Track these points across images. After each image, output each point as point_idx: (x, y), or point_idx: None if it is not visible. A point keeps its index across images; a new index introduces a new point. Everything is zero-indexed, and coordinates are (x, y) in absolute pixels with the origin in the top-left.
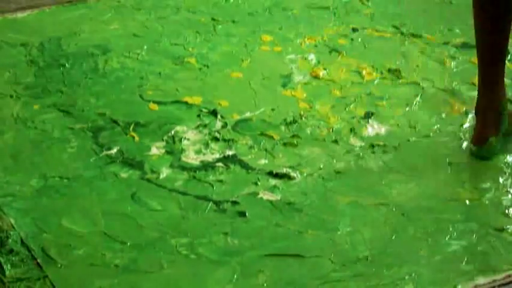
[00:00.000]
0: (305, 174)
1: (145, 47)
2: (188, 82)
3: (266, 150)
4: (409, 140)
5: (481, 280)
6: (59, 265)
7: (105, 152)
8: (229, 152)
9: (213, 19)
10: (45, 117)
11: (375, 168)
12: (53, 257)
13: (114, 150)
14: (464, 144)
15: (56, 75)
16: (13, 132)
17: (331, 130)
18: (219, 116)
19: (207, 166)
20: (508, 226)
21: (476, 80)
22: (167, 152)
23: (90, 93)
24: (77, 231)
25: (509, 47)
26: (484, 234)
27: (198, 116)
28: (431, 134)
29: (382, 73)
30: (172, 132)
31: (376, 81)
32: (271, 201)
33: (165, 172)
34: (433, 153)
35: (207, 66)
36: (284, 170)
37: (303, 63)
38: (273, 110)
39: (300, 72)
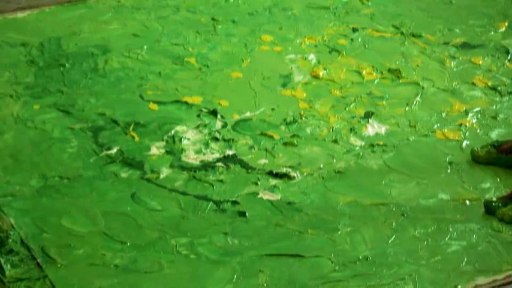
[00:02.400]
0: (305, 174)
1: (145, 47)
2: (188, 82)
3: (266, 150)
4: (409, 140)
5: (481, 280)
6: (59, 265)
7: (105, 152)
8: (229, 152)
9: (213, 19)
10: (45, 117)
11: (375, 168)
12: (53, 257)
13: (114, 150)
14: (464, 144)
15: (56, 75)
16: (13, 132)
17: (331, 130)
18: (219, 116)
19: (207, 166)
20: (508, 226)
21: (476, 80)
22: (167, 152)
23: (90, 93)
24: (77, 231)
25: (508, 47)
26: (484, 234)
27: (198, 116)
28: (431, 133)
29: (382, 73)
30: (172, 132)
31: (376, 81)
32: (271, 201)
33: (165, 172)
34: (433, 153)
35: (207, 66)
36: (284, 170)
37: (303, 63)
38: (273, 110)
39: (300, 72)
